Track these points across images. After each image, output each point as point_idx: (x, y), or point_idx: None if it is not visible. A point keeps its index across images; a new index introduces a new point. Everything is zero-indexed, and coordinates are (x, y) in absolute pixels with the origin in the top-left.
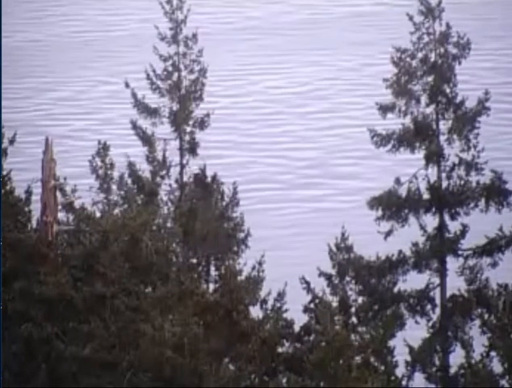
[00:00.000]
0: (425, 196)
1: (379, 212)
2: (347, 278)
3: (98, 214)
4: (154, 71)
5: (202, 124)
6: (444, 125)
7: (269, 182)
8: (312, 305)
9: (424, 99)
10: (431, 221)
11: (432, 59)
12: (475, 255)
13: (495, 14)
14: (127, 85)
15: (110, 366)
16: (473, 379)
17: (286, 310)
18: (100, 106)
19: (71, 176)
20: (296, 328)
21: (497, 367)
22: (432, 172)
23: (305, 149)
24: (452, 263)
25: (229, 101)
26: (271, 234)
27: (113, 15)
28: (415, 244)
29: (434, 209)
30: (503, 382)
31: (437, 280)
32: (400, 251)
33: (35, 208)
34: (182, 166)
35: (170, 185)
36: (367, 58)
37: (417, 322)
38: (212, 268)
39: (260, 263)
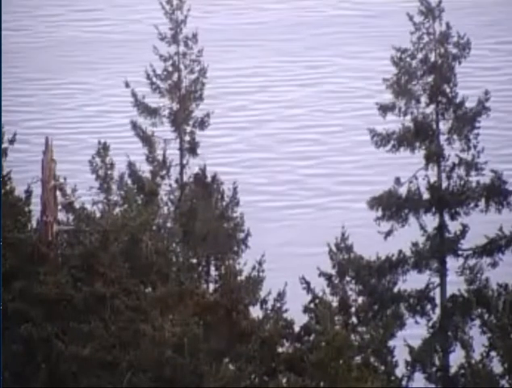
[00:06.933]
0: (426, 196)
1: (379, 213)
2: (347, 278)
3: (98, 214)
4: (154, 71)
5: (202, 124)
6: (444, 125)
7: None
8: (312, 305)
9: (424, 99)
10: (431, 221)
11: (432, 59)
12: (475, 255)
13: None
14: (127, 85)
15: (110, 366)
16: (473, 379)
17: (286, 310)
18: (100, 106)
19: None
20: (296, 328)
21: (497, 367)
22: (432, 172)
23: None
24: (452, 263)
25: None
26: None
27: (108, 18)
28: (415, 244)
29: (434, 209)
30: (503, 382)
31: (437, 280)
32: (400, 251)
33: (35, 208)
34: (182, 166)
35: (170, 185)
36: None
37: (417, 322)
38: (212, 268)
39: (260, 263)
